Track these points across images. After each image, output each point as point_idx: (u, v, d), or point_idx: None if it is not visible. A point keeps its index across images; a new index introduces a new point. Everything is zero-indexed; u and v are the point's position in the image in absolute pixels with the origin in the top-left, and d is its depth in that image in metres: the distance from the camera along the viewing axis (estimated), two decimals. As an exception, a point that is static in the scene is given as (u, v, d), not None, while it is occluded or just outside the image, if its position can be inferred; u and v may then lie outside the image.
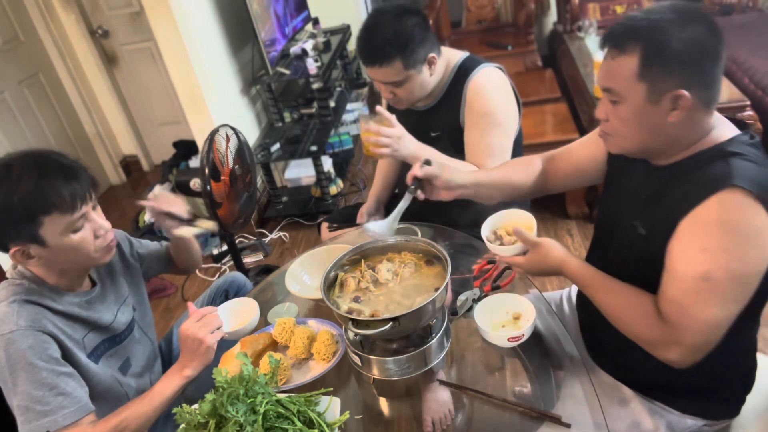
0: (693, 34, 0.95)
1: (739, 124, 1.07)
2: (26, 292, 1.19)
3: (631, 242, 1.12)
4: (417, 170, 1.28)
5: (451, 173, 1.30)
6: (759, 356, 1.28)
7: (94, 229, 1.20)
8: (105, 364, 1.29)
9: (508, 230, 1.22)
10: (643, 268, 1.07)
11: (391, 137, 1.50)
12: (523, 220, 1.23)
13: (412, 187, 1.30)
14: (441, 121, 1.69)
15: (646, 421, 1.19)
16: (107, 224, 1.24)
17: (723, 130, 1.04)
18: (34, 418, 1.11)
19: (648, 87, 0.98)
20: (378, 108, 1.55)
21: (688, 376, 1.06)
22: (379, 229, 1.33)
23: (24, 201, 1.10)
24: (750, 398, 1.21)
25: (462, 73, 1.64)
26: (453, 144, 1.67)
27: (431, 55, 1.57)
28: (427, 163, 1.30)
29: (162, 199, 1.46)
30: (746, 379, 1.19)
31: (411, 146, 1.55)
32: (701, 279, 0.94)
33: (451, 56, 1.67)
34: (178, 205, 1.46)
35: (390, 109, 1.88)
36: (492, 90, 1.61)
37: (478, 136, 1.63)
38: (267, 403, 1.02)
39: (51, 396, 1.12)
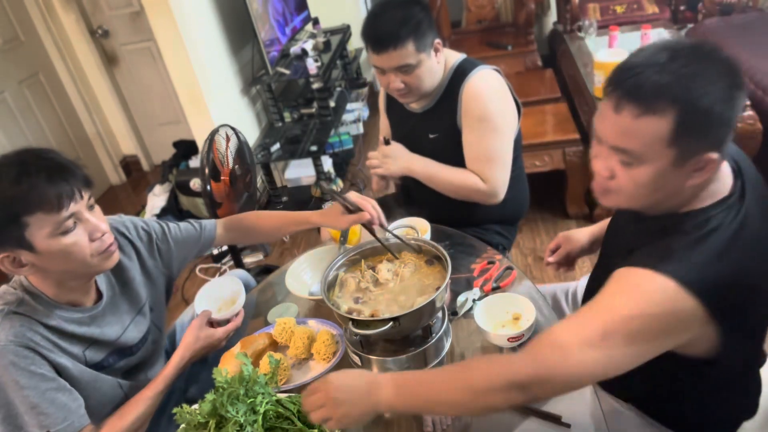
0: (725, 88, 0.85)
1: (734, 170, 0.99)
2: (17, 303, 1.13)
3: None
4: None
5: None
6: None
7: (89, 231, 1.12)
8: (105, 372, 1.25)
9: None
10: None
11: (377, 158, 1.59)
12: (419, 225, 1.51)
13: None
14: (438, 123, 1.69)
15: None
16: (105, 226, 1.15)
17: (718, 185, 0.96)
18: (11, 430, 1.09)
19: (678, 152, 0.87)
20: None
21: (679, 403, 1.08)
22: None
23: (3, 202, 1.03)
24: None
25: (458, 76, 1.63)
26: (451, 146, 1.67)
27: (437, 41, 1.58)
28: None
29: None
30: (744, 414, 1.16)
31: (400, 162, 1.64)
32: (600, 335, 0.87)
33: (448, 57, 1.66)
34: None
35: (389, 110, 1.87)
36: (487, 93, 1.60)
37: (476, 142, 1.63)
38: (267, 403, 1.02)
39: (32, 415, 1.08)
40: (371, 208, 1.32)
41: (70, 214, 1.08)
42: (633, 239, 1.04)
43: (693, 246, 0.89)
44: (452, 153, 1.68)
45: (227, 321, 1.35)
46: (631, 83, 0.87)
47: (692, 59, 0.86)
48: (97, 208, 1.16)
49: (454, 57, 1.67)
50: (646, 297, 0.87)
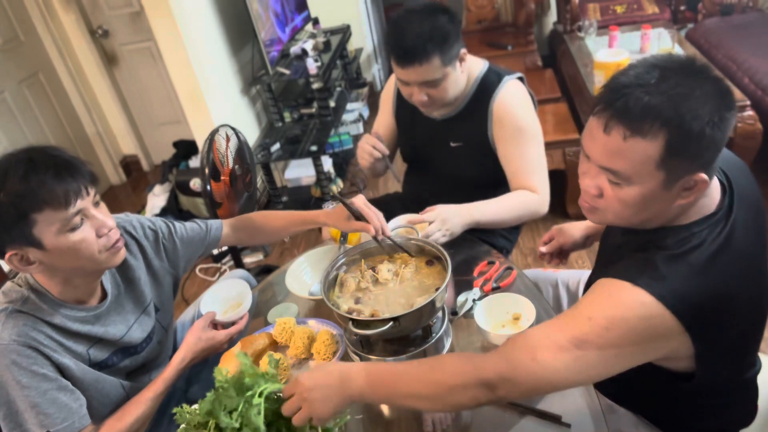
0: (714, 108, 0.83)
1: (723, 185, 0.98)
2: (22, 302, 1.13)
3: None
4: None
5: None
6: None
7: (96, 227, 1.12)
8: (108, 372, 1.25)
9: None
10: None
11: (438, 229, 1.45)
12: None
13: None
14: (463, 133, 1.66)
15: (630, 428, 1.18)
16: (111, 222, 1.15)
17: (705, 201, 0.95)
18: (11, 427, 1.09)
19: (666, 174, 0.87)
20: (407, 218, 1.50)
21: (671, 410, 1.08)
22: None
23: (11, 199, 1.03)
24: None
25: (485, 87, 1.61)
26: (475, 155, 1.66)
27: (463, 51, 1.54)
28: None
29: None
30: (743, 419, 1.15)
31: (458, 220, 1.50)
32: (574, 341, 0.87)
33: (471, 65, 1.62)
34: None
35: (399, 112, 1.83)
36: (520, 105, 1.60)
37: (518, 154, 1.60)
38: (267, 388, 1.00)
39: (32, 414, 1.09)
40: (376, 219, 1.31)
41: (77, 211, 1.09)
42: (618, 250, 1.04)
43: (673, 262, 0.89)
44: (474, 162, 1.67)
45: (232, 323, 1.35)
46: (620, 104, 0.85)
47: (683, 79, 0.85)
48: (102, 204, 1.17)
49: (478, 66, 1.64)
50: (624, 308, 0.87)
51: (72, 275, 1.16)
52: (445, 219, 1.47)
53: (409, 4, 1.52)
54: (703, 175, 0.87)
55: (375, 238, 1.31)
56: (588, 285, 1.24)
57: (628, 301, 0.87)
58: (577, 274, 1.59)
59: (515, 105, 1.59)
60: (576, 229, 1.43)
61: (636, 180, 0.89)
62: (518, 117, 1.59)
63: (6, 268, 2.68)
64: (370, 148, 1.66)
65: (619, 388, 1.18)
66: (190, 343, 1.28)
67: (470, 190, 1.64)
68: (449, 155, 1.70)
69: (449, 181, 1.73)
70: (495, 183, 1.68)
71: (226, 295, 1.43)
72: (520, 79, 1.66)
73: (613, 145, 0.87)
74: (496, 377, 0.90)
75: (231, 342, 1.34)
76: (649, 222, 0.96)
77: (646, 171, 0.87)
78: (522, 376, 0.89)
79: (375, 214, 1.31)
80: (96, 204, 1.14)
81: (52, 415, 1.10)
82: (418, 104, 1.59)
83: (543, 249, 1.46)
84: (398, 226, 1.49)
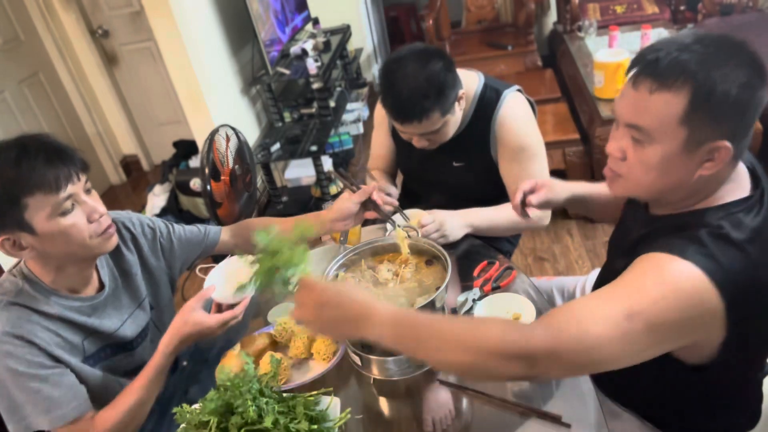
0: (744, 75, 0.84)
1: (753, 175, 0.98)
2: (16, 293, 1.13)
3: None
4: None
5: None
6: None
7: (87, 212, 1.13)
8: (105, 370, 1.24)
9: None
10: None
11: (437, 229, 1.46)
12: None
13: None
14: (466, 153, 1.65)
15: None
16: (102, 208, 1.16)
17: (735, 186, 0.94)
18: (15, 420, 1.09)
19: (688, 133, 0.86)
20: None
21: (675, 410, 1.07)
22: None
23: (3, 184, 1.05)
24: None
25: (484, 106, 1.58)
26: (479, 174, 1.65)
27: (460, 92, 1.49)
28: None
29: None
30: (747, 421, 1.15)
31: (456, 224, 1.52)
32: (624, 314, 0.83)
33: (467, 84, 1.56)
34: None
35: (397, 132, 1.82)
36: (522, 122, 1.58)
37: (519, 172, 1.59)
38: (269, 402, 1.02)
39: (33, 402, 1.09)
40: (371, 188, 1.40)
41: (68, 195, 1.10)
42: (645, 239, 1.01)
43: (718, 239, 0.87)
44: (478, 179, 1.67)
45: (236, 305, 1.26)
46: (650, 58, 0.88)
47: (717, 45, 0.86)
48: (93, 192, 1.18)
49: (473, 83, 1.59)
50: (674, 281, 0.84)
51: (64, 262, 1.17)
52: (441, 222, 1.48)
53: (401, 50, 1.46)
54: (727, 143, 0.86)
55: (377, 209, 1.37)
56: (600, 279, 1.23)
57: (680, 275, 0.84)
58: (572, 280, 1.59)
59: (518, 123, 1.58)
60: (561, 187, 1.35)
61: (658, 137, 0.89)
62: (521, 135, 1.57)
63: (6, 267, 2.68)
64: (385, 196, 1.54)
65: (623, 387, 1.17)
66: (177, 326, 1.20)
67: (472, 203, 1.64)
68: (452, 174, 1.69)
69: (451, 196, 1.72)
70: (498, 196, 1.67)
71: (235, 274, 1.29)
72: (519, 92, 1.63)
73: (639, 100, 0.89)
74: (541, 351, 0.83)
75: (228, 333, 1.28)
76: (669, 195, 0.96)
77: (668, 128, 0.87)
78: (570, 351, 0.83)
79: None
80: (87, 191, 1.15)
81: (57, 398, 1.10)
82: (419, 147, 1.56)
83: (533, 200, 1.30)
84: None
